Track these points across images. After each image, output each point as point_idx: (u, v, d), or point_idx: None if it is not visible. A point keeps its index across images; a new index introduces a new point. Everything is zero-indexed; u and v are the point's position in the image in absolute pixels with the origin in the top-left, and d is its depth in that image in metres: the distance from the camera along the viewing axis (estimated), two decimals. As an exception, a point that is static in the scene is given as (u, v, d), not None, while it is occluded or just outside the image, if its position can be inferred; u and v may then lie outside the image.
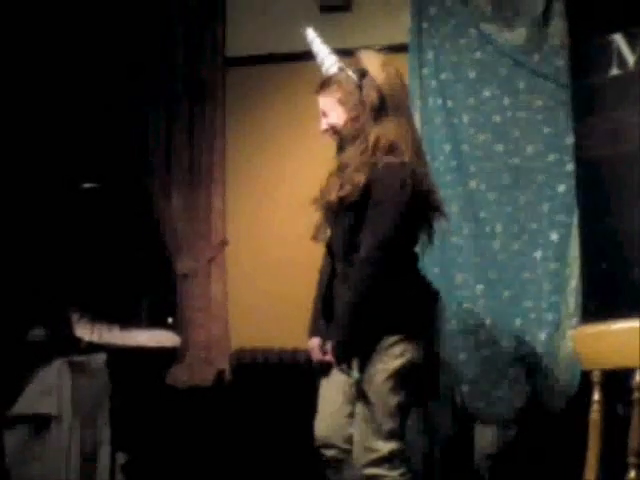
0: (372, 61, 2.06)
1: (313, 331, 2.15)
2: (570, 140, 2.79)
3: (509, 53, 2.86)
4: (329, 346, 1.99)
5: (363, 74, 2.03)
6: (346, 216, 2.00)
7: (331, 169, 2.11)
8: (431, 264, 2.91)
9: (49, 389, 2.51)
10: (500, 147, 2.88)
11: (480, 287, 2.87)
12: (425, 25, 2.96)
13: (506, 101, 2.87)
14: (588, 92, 2.80)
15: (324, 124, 2.09)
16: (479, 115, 2.89)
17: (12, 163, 2.96)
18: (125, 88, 3.20)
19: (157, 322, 3.23)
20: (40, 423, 2.50)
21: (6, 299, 2.65)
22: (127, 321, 3.08)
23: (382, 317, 1.95)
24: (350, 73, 2.06)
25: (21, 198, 2.93)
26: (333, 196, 2.00)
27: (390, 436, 1.95)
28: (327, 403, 2.10)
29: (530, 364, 2.81)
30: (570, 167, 2.79)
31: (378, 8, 3.11)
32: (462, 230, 2.91)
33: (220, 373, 3.05)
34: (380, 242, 1.92)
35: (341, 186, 1.99)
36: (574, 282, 2.75)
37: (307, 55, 3.16)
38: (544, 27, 2.81)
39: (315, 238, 2.11)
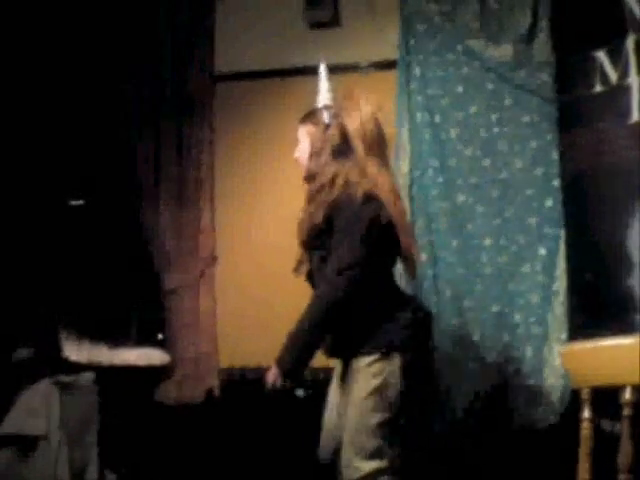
0: (353, 105, 2.12)
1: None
2: (556, 155, 2.82)
3: (495, 69, 2.89)
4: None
5: (336, 115, 2.12)
6: (316, 252, 2.08)
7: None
8: (420, 278, 2.92)
9: (36, 409, 2.48)
10: (487, 162, 2.91)
11: (468, 301, 2.89)
12: (412, 41, 2.99)
13: (493, 116, 2.90)
14: (572, 107, 2.83)
15: (296, 152, 2.22)
16: (466, 130, 2.92)
17: (25, 183, 2.94)
18: (112, 104, 3.20)
19: (146, 339, 3.21)
20: (27, 443, 2.47)
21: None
22: (115, 338, 3.06)
23: (356, 338, 2.00)
24: (325, 112, 2.16)
25: (7, 216, 2.91)
26: (301, 236, 2.11)
27: (372, 455, 1.97)
28: (325, 424, 2.15)
29: (518, 378, 2.82)
30: (557, 181, 2.82)
31: (366, 24, 3.13)
32: (450, 244, 2.93)
33: (209, 390, 3.04)
34: (338, 271, 1.98)
35: (306, 225, 2.09)
36: (562, 296, 2.77)
37: (296, 71, 3.22)
38: (530, 43, 2.85)
39: (296, 271, 2.18)
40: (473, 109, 2.92)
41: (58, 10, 3.11)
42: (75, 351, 2.68)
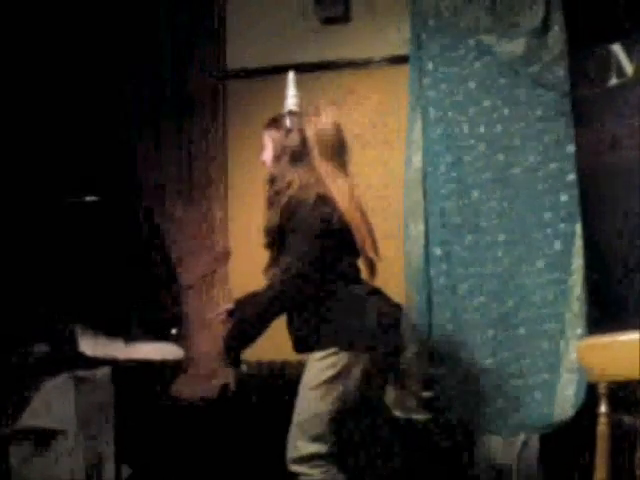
0: (314, 112, 2.24)
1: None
2: (571, 149, 2.80)
3: (508, 63, 2.87)
4: None
5: (297, 123, 2.22)
6: (276, 253, 2.19)
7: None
8: (435, 276, 2.92)
9: (54, 404, 2.51)
10: (501, 157, 2.89)
11: (482, 297, 2.88)
12: (424, 36, 2.97)
13: (506, 111, 2.88)
14: (587, 101, 2.81)
15: (262, 156, 2.30)
16: (480, 125, 2.90)
17: (11, 179, 2.96)
18: (129, 101, 3.21)
19: (160, 334, 3.23)
20: (45, 438, 2.50)
21: (9, 315, 2.65)
22: (130, 334, 3.07)
23: (315, 333, 2.12)
24: (288, 118, 2.24)
25: (22, 213, 2.94)
26: (265, 240, 2.21)
27: (314, 440, 2.09)
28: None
29: (533, 374, 2.81)
30: (572, 176, 2.80)
31: (378, 20, 3.12)
32: (464, 241, 2.91)
33: (224, 385, 3.05)
34: (286, 270, 2.08)
35: (268, 229, 2.19)
36: (578, 291, 2.75)
37: (307, 67, 3.22)
38: (543, 37, 2.82)
39: (264, 273, 2.26)
40: (486, 104, 2.90)
41: (58, 10, 3.12)
42: (91, 346, 2.71)
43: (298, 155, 2.15)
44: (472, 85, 2.91)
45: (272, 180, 2.21)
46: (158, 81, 3.18)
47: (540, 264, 2.83)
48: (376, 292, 2.23)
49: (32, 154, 3.05)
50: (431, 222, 2.95)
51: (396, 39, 3.06)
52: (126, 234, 3.18)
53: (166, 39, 3.18)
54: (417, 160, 2.97)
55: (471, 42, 2.90)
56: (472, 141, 2.91)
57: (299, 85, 3.17)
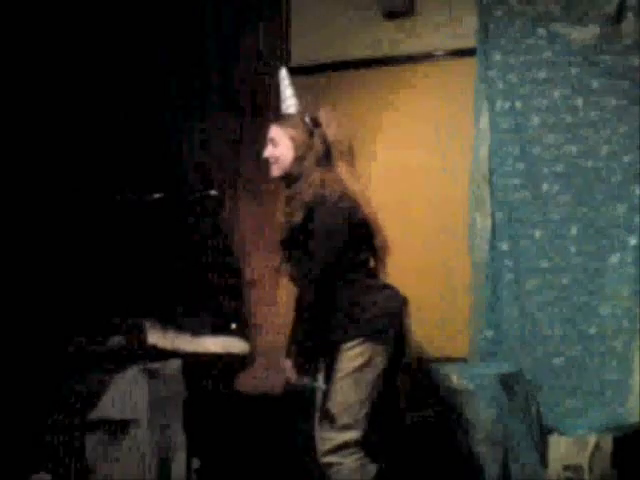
0: (327, 116, 2.29)
1: (287, 353, 2.34)
2: (646, 139, 2.72)
3: (580, 52, 2.80)
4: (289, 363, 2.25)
5: (316, 124, 2.26)
6: (295, 251, 2.23)
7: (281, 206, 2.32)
8: (502, 270, 2.86)
9: (126, 395, 2.56)
10: (572, 148, 2.82)
11: (552, 293, 2.81)
12: (491, 27, 2.92)
13: (578, 101, 2.81)
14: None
15: (268, 152, 2.30)
16: (550, 116, 2.83)
17: (79, 179, 3.05)
18: (193, 100, 3.26)
19: (223, 328, 3.27)
20: (118, 428, 2.56)
21: (87, 308, 2.73)
22: (196, 327, 3.12)
23: (342, 325, 2.16)
24: (307, 118, 2.27)
25: (98, 213, 3.02)
26: (281, 236, 2.28)
27: (343, 428, 2.14)
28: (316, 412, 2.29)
29: (604, 373, 2.73)
30: (647, 168, 2.72)
31: (442, 12, 3.08)
32: (533, 234, 2.85)
33: (290, 380, 3.05)
34: (317, 265, 2.14)
35: (288, 225, 2.24)
36: (653, 288, 2.67)
37: (371, 62, 3.21)
38: (617, 24, 2.74)
39: (277, 271, 2.38)
40: (557, 94, 2.83)
41: (104, 6, 3.17)
42: (161, 339, 2.76)
43: (323, 157, 2.22)
44: (542, 75, 2.85)
45: (293, 179, 2.25)
46: (224, 78, 3.21)
47: (614, 259, 2.75)
48: (387, 286, 2.28)
49: (100, 154, 3.13)
50: (497, 216, 2.90)
51: (461, 31, 3.02)
52: (195, 230, 3.24)
53: (212, 34, 3.21)
54: (484, 152, 2.92)
55: (541, 31, 2.84)
56: (541, 132, 2.85)
57: (362, 81, 3.19)
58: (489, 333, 2.87)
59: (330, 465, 2.16)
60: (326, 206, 2.15)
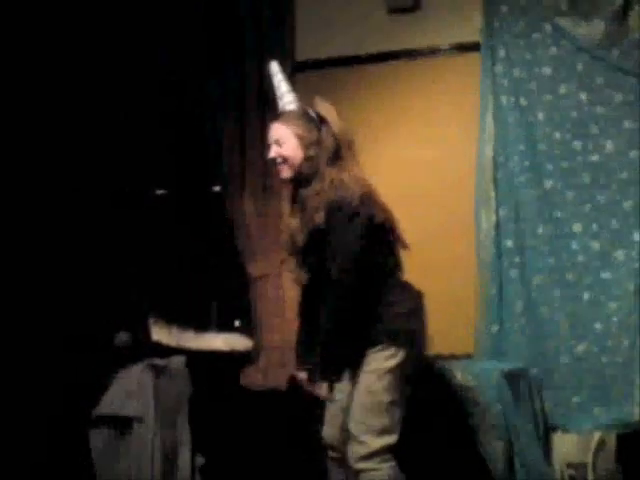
0: (329, 109, 2.17)
1: (299, 363, 2.27)
2: (653, 136, 2.70)
3: (586, 48, 2.78)
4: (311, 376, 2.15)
5: (322, 120, 2.14)
6: (311, 257, 2.12)
7: (289, 209, 2.21)
8: (507, 268, 2.86)
9: (132, 391, 2.57)
10: (578, 144, 2.80)
11: (558, 289, 2.81)
12: (497, 23, 2.91)
13: (583, 97, 2.79)
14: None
15: (274, 152, 2.16)
16: (555, 112, 2.82)
17: (91, 175, 3.05)
18: (197, 95, 3.26)
19: (227, 325, 3.27)
20: (123, 424, 2.56)
21: (93, 304, 2.73)
22: (200, 324, 3.13)
23: (367, 328, 2.07)
24: (312, 114, 2.14)
25: (102, 209, 3.02)
26: (300, 241, 2.13)
27: (381, 432, 2.05)
28: (330, 407, 2.22)
29: (611, 370, 2.72)
30: (653, 164, 2.70)
31: (447, 7, 3.07)
32: (538, 231, 2.84)
33: (294, 376, 3.06)
34: (342, 266, 2.04)
35: (305, 229, 2.12)
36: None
37: (377, 57, 3.19)
38: (624, 18, 2.73)
39: (297, 281, 2.23)
40: (562, 90, 2.82)
41: (147, 9, 3.18)
42: (165, 335, 2.76)
43: (333, 154, 2.11)
44: (547, 71, 2.84)
45: (305, 180, 2.12)
46: (241, 72, 3.18)
47: (620, 255, 2.74)
48: (407, 285, 2.20)
49: (108, 148, 3.13)
50: (503, 213, 2.89)
51: (466, 27, 3.01)
52: (199, 226, 3.24)
53: (249, 28, 3.18)
54: (489, 149, 2.91)
55: (547, 27, 2.83)
56: (547, 129, 2.83)
57: (367, 76, 3.17)
58: (494, 329, 2.86)
59: (364, 471, 2.06)
60: (348, 208, 2.04)
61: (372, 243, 2.07)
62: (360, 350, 2.09)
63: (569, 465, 2.69)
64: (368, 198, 2.09)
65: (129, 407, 2.54)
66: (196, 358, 2.84)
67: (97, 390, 2.56)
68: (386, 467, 2.05)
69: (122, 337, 2.62)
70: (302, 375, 2.25)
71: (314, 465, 2.92)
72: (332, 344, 2.06)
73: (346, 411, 2.13)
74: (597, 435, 2.65)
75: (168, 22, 3.22)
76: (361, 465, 2.06)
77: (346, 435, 2.11)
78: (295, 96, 2.20)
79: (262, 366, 3.06)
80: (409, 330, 2.10)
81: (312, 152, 2.11)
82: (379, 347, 2.07)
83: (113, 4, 3.14)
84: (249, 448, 2.96)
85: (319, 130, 2.12)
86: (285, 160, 2.14)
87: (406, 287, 2.17)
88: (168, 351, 2.76)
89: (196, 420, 2.76)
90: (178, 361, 2.67)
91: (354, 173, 2.11)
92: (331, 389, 2.12)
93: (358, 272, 2.03)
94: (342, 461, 2.17)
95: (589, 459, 2.63)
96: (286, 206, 2.23)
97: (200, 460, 2.75)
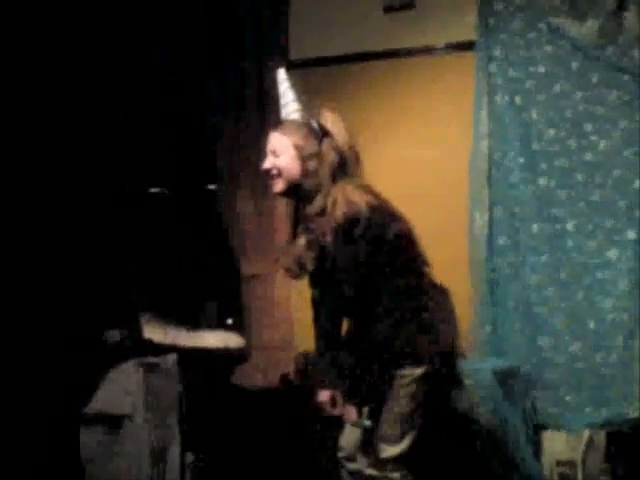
0: (335, 121, 2.04)
1: (321, 384, 2.09)
2: (647, 133, 2.70)
3: (581, 47, 2.78)
4: (339, 398, 2.00)
5: (325, 132, 2.01)
6: (328, 278, 1.99)
7: (289, 230, 2.11)
8: (503, 266, 2.85)
9: (123, 389, 2.56)
10: (573, 143, 2.80)
11: (552, 288, 2.80)
12: (492, 21, 2.91)
13: (578, 95, 2.79)
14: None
15: (269, 163, 2.03)
16: (550, 111, 2.82)
17: (82, 172, 3.04)
18: (194, 94, 3.25)
19: (219, 323, 3.26)
20: (114, 422, 2.55)
21: (84, 301, 2.72)
22: (193, 322, 3.12)
23: (391, 350, 1.97)
24: (314, 124, 2.02)
25: (95, 205, 3.01)
26: (309, 265, 2.01)
27: (396, 440, 1.98)
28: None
29: (606, 369, 2.71)
30: (647, 162, 2.70)
31: (442, 6, 3.06)
32: (532, 229, 2.84)
33: (285, 375, 3.05)
34: (343, 279, 1.93)
35: (312, 253, 1.99)
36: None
37: (372, 56, 3.19)
38: (618, 17, 2.72)
39: (315, 300, 2.11)
40: (557, 89, 2.81)
41: (147, 10, 3.17)
42: (157, 333, 2.75)
43: (337, 168, 1.98)
44: (542, 69, 2.83)
45: (306, 196, 2.00)
46: (240, 71, 3.18)
47: (613, 254, 2.73)
48: (433, 297, 2.10)
49: (102, 145, 3.12)
50: (497, 211, 2.88)
51: (461, 25, 3.00)
52: (193, 224, 3.23)
53: (248, 26, 3.17)
54: (484, 147, 2.90)
55: (542, 25, 2.82)
56: (541, 127, 2.83)
57: (362, 75, 3.17)
58: (489, 328, 2.85)
59: (375, 478, 2.01)
60: (356, 228, 1.91)
61: (382, 263, 1.96)
62: (383, 374, 1.98)
63: (559, 463, 2.69)
64: (378, 213, 1.95)
65: (120, 405, 2.53)
66: (188, 356, 2.83)
67: (88, 388, 2.54)
68: (398, 476, 1.99)
69: (113, 335, 2.60)
70: (324, 396, 2.06)
71: (306, 463, 2.91)
72: (363, 368, 1.96)
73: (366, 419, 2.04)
74: (587, 433, 2.65)
75: (168, 22, 3.22)
76: (373, 472, 2.01)
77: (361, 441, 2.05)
78: (299, 106, 2.09)
79: (253, 365, 3.06)
80: (430, 350, 1.98)
81: (311, 166, 1.98)
82: (401, 369, 1.97)
83: (113, 4, 3.14)
84: (240, 446, 2.95)
85: (320, 142, 1.99)
86: (280, 172, 2.01)
87: (428, 298, 2.04)
88: (160, 349, 2.74)
89: (188, 418, 2.75)
90: (170, 359, 2.66)
91: (361, 188, 1.98)
92: (360, 413, 2.02)
93: (357, 285, 1.93)
94: (359, 473, 2.09)
95: (579, 457, 2.63)
96: (286, 226, 2.15)
97: (190, 458, 2.74)
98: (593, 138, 2.76)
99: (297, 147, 1.99)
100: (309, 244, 1.99)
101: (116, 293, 2.87)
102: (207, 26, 3.23)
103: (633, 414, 2.64)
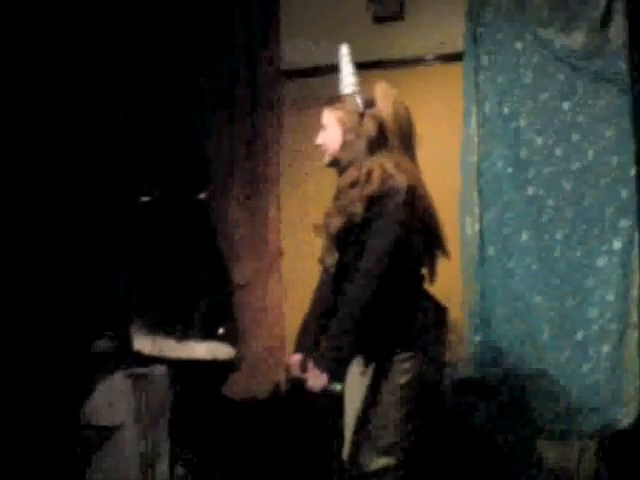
0: (385, 94, 2.05)
1: (298, 347, 2.16)
2: (633, 143, 2.71)
3: (567, 57, 2.80)
4: (311, 363, 1.97)
5: (370, 104, 2.02)
6: (348, 247, 2.00)
7: (334, 193, 2.11)
8: (491, 273, 2.86)
9: (112, 400, 2.54)
10: (560, 151, 2.82)
11: (540, 296, 2.81)
12: (480, 30, 2.93)
13: (565, 104, 2.81)
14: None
15: (319, 138, 2.11)
16: (537, 119, 2.84)
17: (70, 179, 3.03)
18: (185, 100, 3.25)
19: (210, 333, 3.25)
20: (103, 433, 2.53)
21: (74, 311, 2.70)
22: (182, 332, 3.10)
23: (393, 333, 1.96)
24: (358, 99, 2.05)
25: (84, 213, 3.00)
26: (332, 229, 2.02)
27: (385, 452, 1.95)
28: (348, 428, 2.11)
29: (593, 378, 2.72)
30: (633, 171, 2.71)
31: (431, 16, 3.09)
32: (520, 238, 2.85)
33: (276, 384, 3.04)
34: (377, 257, 1.91)
35: (338, 219, 2.00)
36: (636, 291, 2.65)
37: (361, 66, 3.20)
38: (604, 28, 2.75)
39: (321, 262, 2.11)
40: (544, 97, 2.84)
41: (134, 9, 3.18)
42: (146, 344, 2.74)
43: (375, 142, 1.98)
44: (529, 79, 2.85)
45: (342, 168, 2.03)
46: (231, 77, 3.18)
47: (600, 262, 2.75)
48: (430, 295, 2.11)
49: (91, 152, 3.11)
50: (486, 218, 2.90)
51: (450, 36, 3.03)
52: (184, 232, 3.22)
53: (240, 35, 3.18)
54: (472, 156, 2.92)
55: (528, 36, 2.85)
56: (529, 136, 2.85)
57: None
58: (479, 336, 2.86)
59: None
60: (392, 203, 1.90)
61: (409, 243, 1.95)
62: (373, 351, 1.97)
63: (552, 471, 2.69)
64: (412, 194, 1.94)
65: (108, 416, 2.52)
66: (178, 367, 2.81)
67: (77, 399, 2.52)
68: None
69: (102, 344, 2.59)
70: (296, 358, 2.11)
71: (299, 473, 2.90)
72: (344, 334, 1.91)
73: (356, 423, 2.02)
74: (580, 442, 2.65)
75: (168, 22, 3.21)
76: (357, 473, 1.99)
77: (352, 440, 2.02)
78: (355, 80, 2.12)
79: (244, 374, 3.04)
80: (430, 343, 1.99)
81: (349, 138, 2.01)
82: (399, 357, 1.96)
83: (113, 4, 3.14)
84: (230, 457, 2.93)
85: (362, 115, 2.01)
86: (325, 145, 2.09)
87: (431, 299, 2.06)
88: (150, 359, 2.73)
89: (177, 429, 2.73)
90: (159, 370, 2.65)
91: (402, 163, 1.97)
92: (330, 381, 1.95)
93: (389, 267, 1.90)
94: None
95: (573, 465, 2.63)
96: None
97: (179, 469, 2.72)
98: (580, 147, 2.78)
99: (340, 121, 2.05)
100: (338, 209, 2.00)
101: (106, 302, 2.86)
102: (208, 27, 3.22)
103: (623, 422, 2.65)
